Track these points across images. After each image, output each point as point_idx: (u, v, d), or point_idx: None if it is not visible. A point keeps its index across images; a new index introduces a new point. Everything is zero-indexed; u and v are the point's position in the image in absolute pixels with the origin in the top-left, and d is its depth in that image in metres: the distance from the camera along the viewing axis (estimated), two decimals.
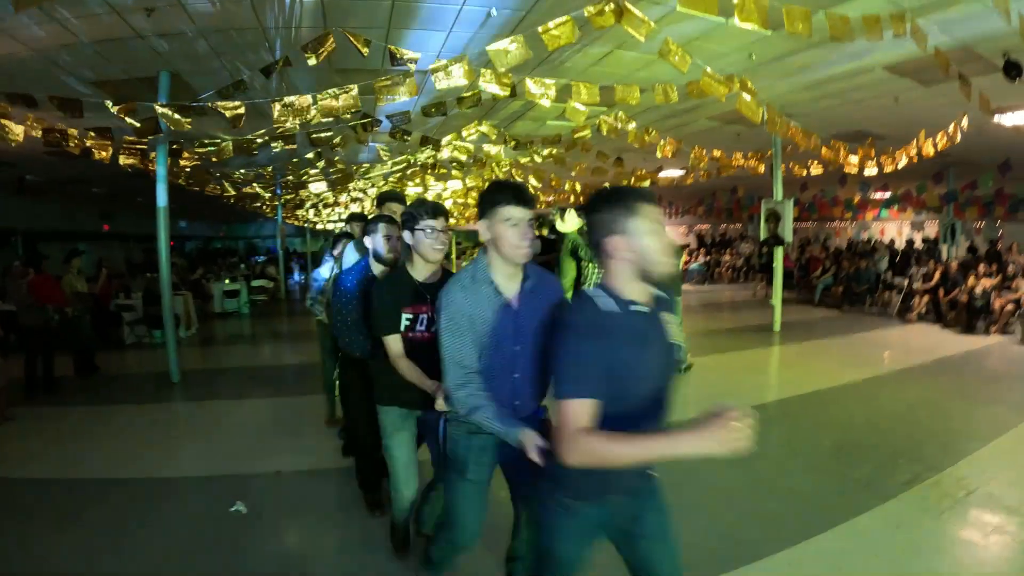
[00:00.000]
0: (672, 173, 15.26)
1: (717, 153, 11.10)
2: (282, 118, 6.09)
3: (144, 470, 4.66)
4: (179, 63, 6.76)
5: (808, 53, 7.38)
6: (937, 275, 11.38)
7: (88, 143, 7.10)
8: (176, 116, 5.93)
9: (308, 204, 18.07)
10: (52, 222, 16.41)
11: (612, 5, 4.96)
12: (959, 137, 9.50)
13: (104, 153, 7.71)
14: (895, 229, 18.12)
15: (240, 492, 4.12)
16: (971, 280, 10.74)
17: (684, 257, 19.08)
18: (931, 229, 17.04)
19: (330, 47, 5.72)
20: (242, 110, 6.05)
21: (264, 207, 18.26)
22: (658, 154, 9.55)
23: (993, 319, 10.20)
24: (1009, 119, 9.94)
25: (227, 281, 14.24)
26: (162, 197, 7.28)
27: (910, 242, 15.92)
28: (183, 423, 6.07)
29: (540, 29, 5.35)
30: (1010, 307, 10.18)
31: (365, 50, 5.76)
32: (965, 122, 9.37)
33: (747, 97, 7.23)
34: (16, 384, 6.72)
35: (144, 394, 7.03)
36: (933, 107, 9.50)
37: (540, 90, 6.76)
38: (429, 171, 12.43)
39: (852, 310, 12.60)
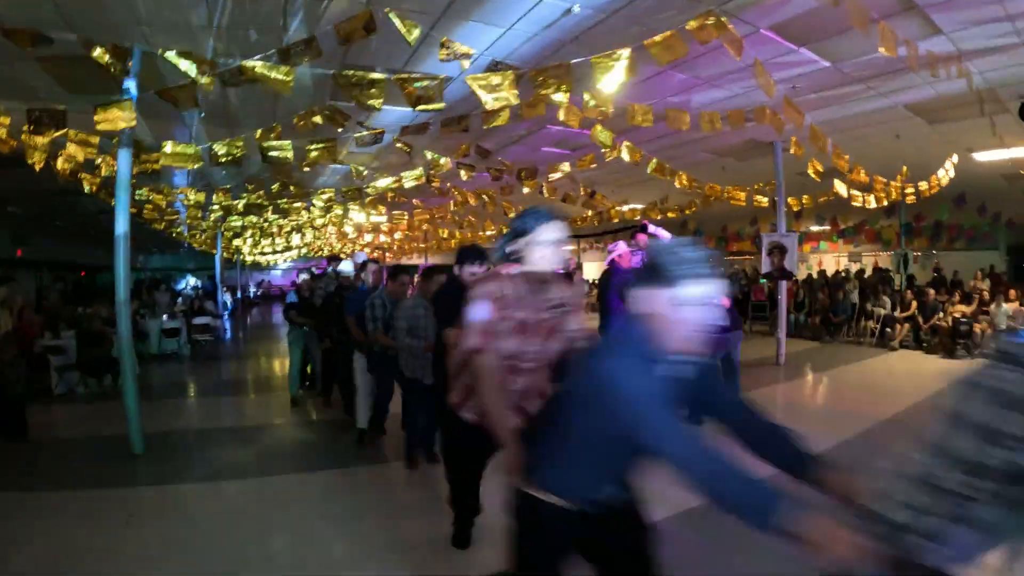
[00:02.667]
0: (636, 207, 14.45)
1: (719, 188, 10.23)
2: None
3: None
4: (158, 37, 4.96)
5: (850, 87, 7.09)
6: (914, 304, 11.00)
7: (24, 138, 5.15)
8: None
9: (248, 233, 15.75)
10: None
11: (713, 19, 4.22)
12: (949, 177, 9.48)
13: (37, 156, 5.76)
14: (832, 261, 18.05)
15: None
16: (957, 308, 10.47)
17: None
18: (868, 260, 17.09)
19: (364, 28, 4.28)
20: (288, 77, 4.29)
21: (200, 235, 15.79)
22: (676, 184, 8.63)
23: (974, 344, 9.87)
24: (984, 156, 9.94)
25: (164, 318, 11.74)
26: (122, 219, 5.30)
27: (876, 271, 15.58)
28: (167, 528, 3.91)
29: (647, 42, 4.30)
30: (989, 331, 9.96)
31: (412, 36, 4.38)
32: (955, 160, 9.33)
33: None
34: None
35: (99, 471, 4.96)
36: (924, 145, 9.25)
37: (595, 106, 5.63)
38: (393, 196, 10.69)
39: (831, 340, 12.03)
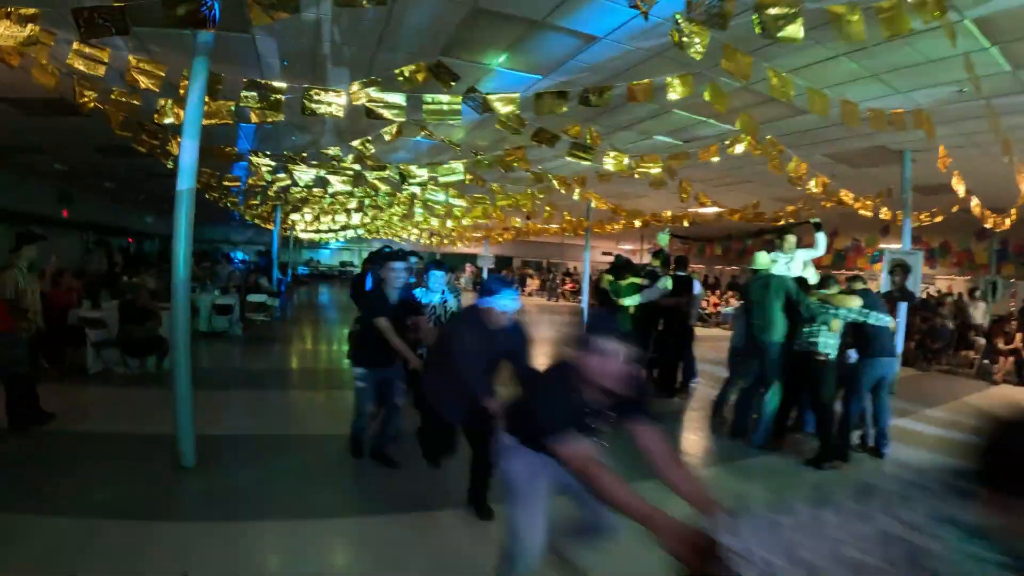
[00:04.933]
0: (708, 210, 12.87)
1: (850, 196, 8.74)
2: None
3: None
4: None
5: (1008, 98, 5.54)
6: (1019, 336, 9.44)
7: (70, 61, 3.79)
8: None
9: (307, 207, 14.27)
10: None
11: None
12: None
13: (87, 95, 4.45)
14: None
15: None
16: None
17: (713, 299, 16.63)
18: (942, 283, 15.47)
19: None
20: None
21: (259, 207, 14.44)
22: (812, 188, 7.28)
23: None
24: None
25: (217, 293, 10.25)
26: (190, 154, 3.93)
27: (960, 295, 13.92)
28: None
29: (876, 5, 3.27)
30: None
31: None
32: None
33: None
34: None
35: (139, 490, 3.62)
36: None
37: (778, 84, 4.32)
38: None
39: (927, 368, 10.44)
